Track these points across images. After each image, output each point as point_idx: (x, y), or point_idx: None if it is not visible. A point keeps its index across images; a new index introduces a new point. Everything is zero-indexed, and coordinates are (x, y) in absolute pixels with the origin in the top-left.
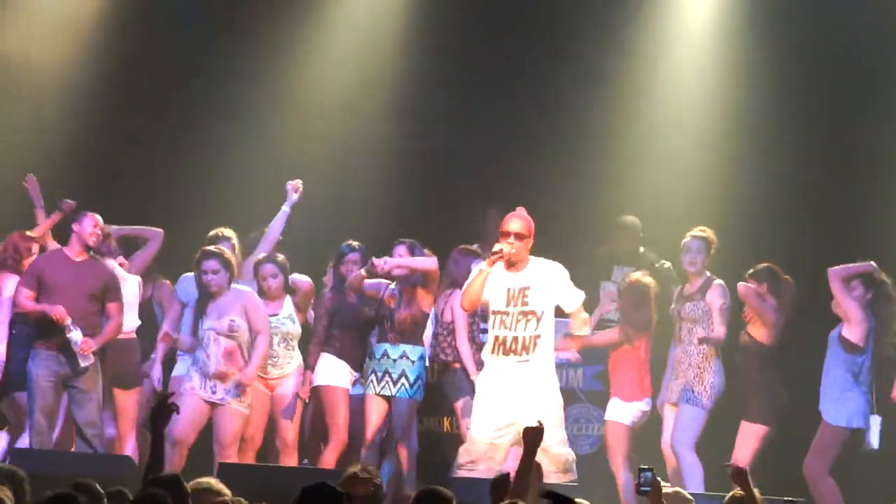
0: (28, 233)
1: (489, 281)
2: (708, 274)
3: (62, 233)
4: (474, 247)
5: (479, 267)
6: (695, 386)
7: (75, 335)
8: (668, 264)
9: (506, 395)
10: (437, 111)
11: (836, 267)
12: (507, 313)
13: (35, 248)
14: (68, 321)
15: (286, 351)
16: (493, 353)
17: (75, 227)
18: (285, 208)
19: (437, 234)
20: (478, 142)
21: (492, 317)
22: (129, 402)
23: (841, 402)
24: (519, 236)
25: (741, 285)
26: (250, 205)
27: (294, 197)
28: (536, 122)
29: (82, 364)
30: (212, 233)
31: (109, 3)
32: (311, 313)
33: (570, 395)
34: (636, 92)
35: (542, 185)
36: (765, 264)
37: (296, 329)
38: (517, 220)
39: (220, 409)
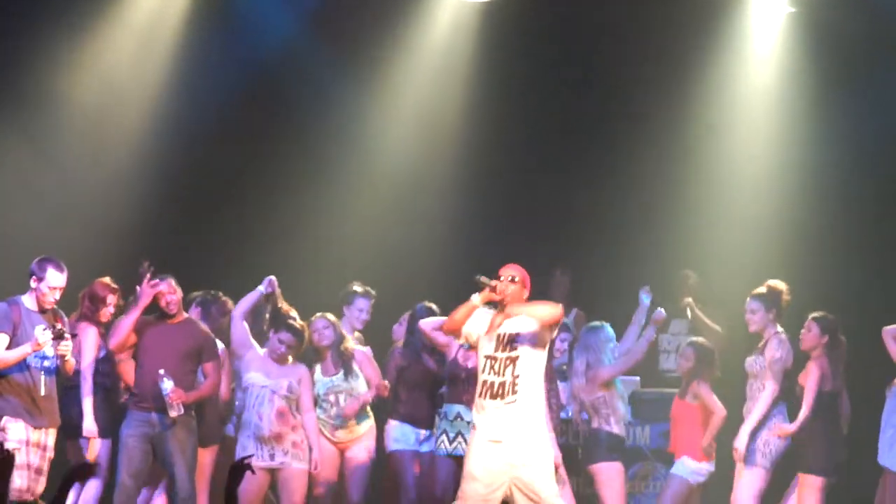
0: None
1: (483, 326)
2: (776, 329)
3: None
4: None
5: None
6: (757, 443)
7: (166, 385)
8: (718, 328)
9: (491, 447)
10: (502, 174)
11: (890, 327)
12: (496, 359)
13: (113, 298)
14: (160, 371)
15: (354, 412)
16: (480, 396)
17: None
18: (260, 288)
19: None
20: (544, 204)
21: (483, 360)
22: (205, 459)
23: None
24: (513, 279)
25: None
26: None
27: (268, 290)
28: (601, 183)
29: (171, 414)
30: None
31: (181, 77)
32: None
33: (636, 453)
34: (699, 149)
35: (606, 245)
36: (830, 315)
37: (361, 385)
38: (511, 267)
39: (283, 473)
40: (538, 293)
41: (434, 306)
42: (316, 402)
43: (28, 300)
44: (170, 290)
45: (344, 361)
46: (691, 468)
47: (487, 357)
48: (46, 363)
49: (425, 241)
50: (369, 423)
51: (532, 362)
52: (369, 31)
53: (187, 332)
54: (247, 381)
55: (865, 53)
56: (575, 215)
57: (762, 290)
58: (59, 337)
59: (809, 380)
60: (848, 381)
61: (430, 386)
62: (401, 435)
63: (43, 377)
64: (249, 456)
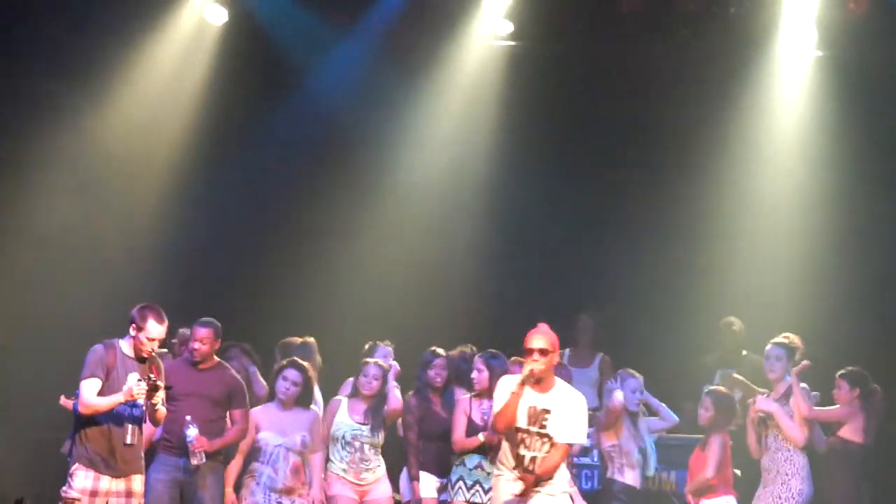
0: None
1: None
2: (790, 379)
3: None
4: (565, 353)
5: (510, 390)
6: (781, 493)
7: (191, 432)
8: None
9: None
10: (526, 218)
11: None
12: (527, 432)
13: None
14: (187, 417)
15: (376, 456)
16: (512, 469)
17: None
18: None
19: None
20: (568, 246)
21: (514, 433)
22: None
23: None
24: (543, 352)
25: (762, 401)
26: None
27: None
28: (628, 227)
29: (193, 462)
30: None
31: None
32: None
33: (663, 499)
34: (734, 194)
35: (634, 291)
36: (856, 368)
37: (381, 437)
38: (540, 337)
39: None
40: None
41: (441, 350)
42: (336, 442)
43: (125, 346)
44: (200, 340)
45: (375, 417)
46: None
47: (518, 430)
48: (136, 411)
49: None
50: (384, 467)
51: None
52: (396, 69)
53: (217, 379)
54: (260, 440)
55: (891, 95)
56: (603, 262)
57: (783, 340)
58: (153, 389)
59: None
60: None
61: (446, 434)
62: (424, 484)
63: (130, 426)
64: None
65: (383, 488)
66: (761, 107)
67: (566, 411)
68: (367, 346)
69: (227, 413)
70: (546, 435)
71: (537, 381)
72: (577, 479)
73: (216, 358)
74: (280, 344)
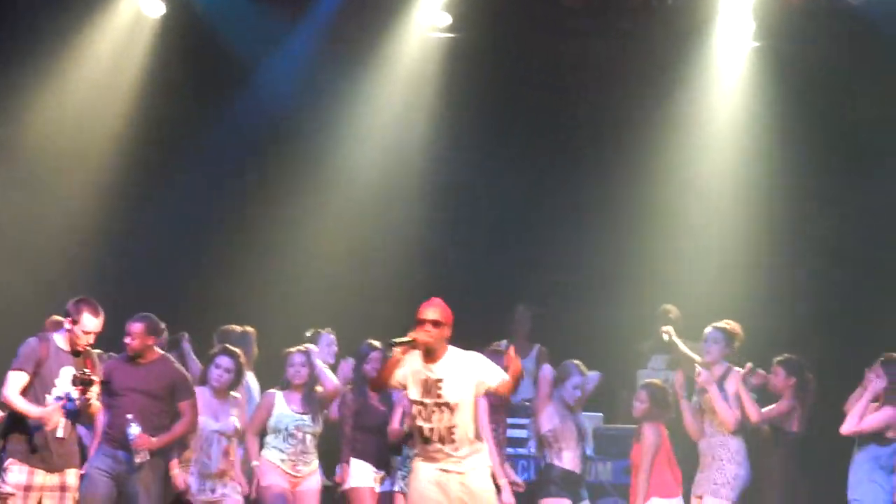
0: None
1: (411, 372)
2: (726, 364)
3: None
4: (502, 344)
5: (391, 354)
6: (717, 478)
7: (133, 430)
8: (698, 358)
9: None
10: (462, 209)
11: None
12: (423, 404)
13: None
14: (128, 416)
15: (314, 449)
16: (423, 445)
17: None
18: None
19: (465, 331)
20: (506, 238)
21: (412, 406)
22: None
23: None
24: (436, 324)
25: (705, 375)
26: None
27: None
28: (566, 219)
29: (136, 460)
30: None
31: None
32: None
33: (598, 489)
34: (671, 183)
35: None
36: (793, 356)
37: (320, 424)
38: (434, 309)
39: None
40: (500, 329)
41: (377, 343)
42: (279, 433)
43: (60, 339)
44: (131, 335)
45: (311, 404)
46: None
47: (414, 402)
48: (69, 405)
49: (389, 279)
50: (316, 462)
51: (462, 406)
52: (336, 61)
53: (158, 373)
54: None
55: (827, 85)
56: (539, 249)
57: (723, 324)
58: (87, 384)
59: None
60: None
61: (384, 427)
62: (360, 472)
63: (63, 420)
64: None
65: (315, 480)
66: (699, 97)
67: (459, 372)
68: (308, 334)
69: (172, 407)
70: (443, 404)
71: (428, 353)
72: (514, 469)
73: (158, 351)
74: (219, 330)
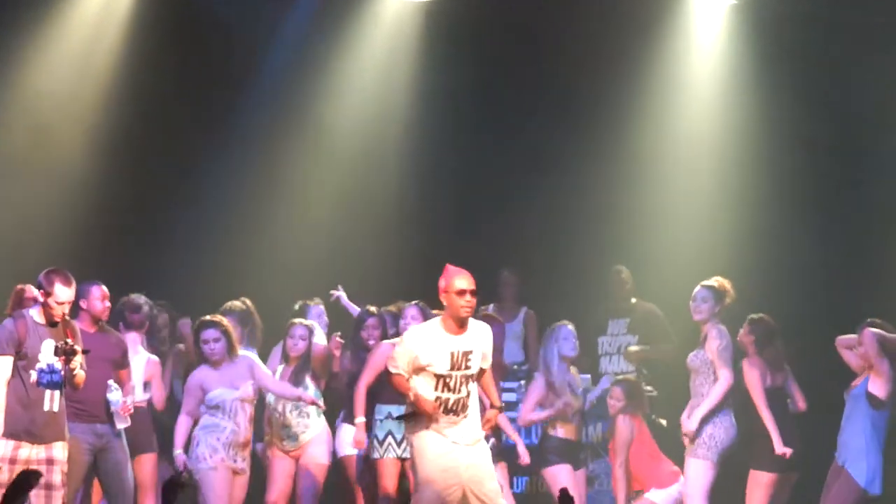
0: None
1: (430, 348)
2: (715, 322)
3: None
4: (490, 308)
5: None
6: (702, 436)
7: (114, 395)
8: (660, 313)
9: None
10: (446, 174)
11: (841, 337)
12: (450, 377)
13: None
14: (109, 381)
15: (299, 419)
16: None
17: (83, 302)
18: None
19: None
20: (487, 204)
21: (434, 379)
22: (147, 466)
23: (865, 461)
24: (474, 293)
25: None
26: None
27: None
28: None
29: (118, 426)
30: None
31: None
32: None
33: (591, 451)
34: (648, 143)
35: (549, 244)
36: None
37: (312, 388)
38: (469, 278)
39: (239, 479)
40: (487, 293)
41: (374, 308)
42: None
43: (35, 314)
44: (101, 297)
45: (299, 375)
46: (663, 497)
47: (439, 376)
48: (55, 377)
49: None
50: (316, 430)
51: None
52: (313, 28)
53: (115, 341)
54: (216, 399)
55: (806, 44)
56: (519, 214)
57: (712, 282)
58: (70, 353)
59: (746, 378)
60: (803, 377)
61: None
62: (352, 439)
63: (49, 392)
64: (181, 473)
65: (311, 452)
66: (676, 56)
67: (479, 343)
68: (297, 307)
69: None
70: (469, 375)
71: (461, 323)
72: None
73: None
74: (221, 309)
